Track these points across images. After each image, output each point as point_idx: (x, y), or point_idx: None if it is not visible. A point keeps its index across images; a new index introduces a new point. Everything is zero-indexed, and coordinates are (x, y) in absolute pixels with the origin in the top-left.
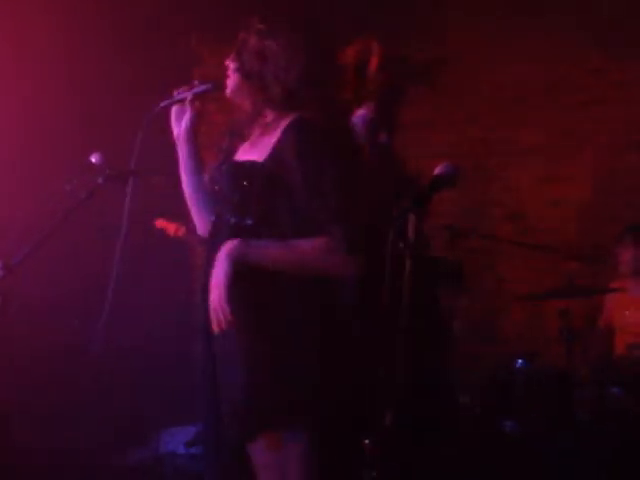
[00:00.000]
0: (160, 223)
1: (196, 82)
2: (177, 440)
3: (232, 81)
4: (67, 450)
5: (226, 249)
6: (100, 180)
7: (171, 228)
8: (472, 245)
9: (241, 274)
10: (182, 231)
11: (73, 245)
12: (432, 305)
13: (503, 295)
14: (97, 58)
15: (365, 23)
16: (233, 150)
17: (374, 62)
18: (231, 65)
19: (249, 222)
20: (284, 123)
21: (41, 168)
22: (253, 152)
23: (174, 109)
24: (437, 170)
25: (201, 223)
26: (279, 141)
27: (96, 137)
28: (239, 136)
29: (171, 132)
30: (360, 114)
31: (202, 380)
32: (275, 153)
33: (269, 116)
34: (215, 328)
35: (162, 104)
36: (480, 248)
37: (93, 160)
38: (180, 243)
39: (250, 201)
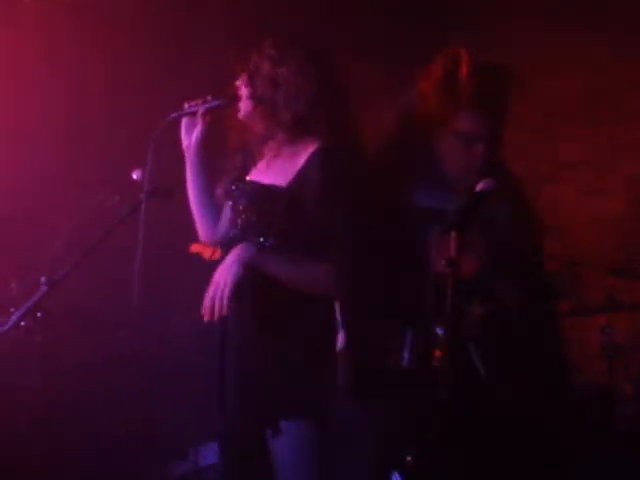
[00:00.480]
0: (195, 248)
1: (209, 97)
2: (217, 454)
3: (244, 105)
4: (108, 462)
5: (241, 251)
6: (142, 196)
7: (207, 252)
8: None
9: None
10: (218, 254)
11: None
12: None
13: None
14: (138, 75)
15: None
16: (246, 168)
17: (464, 70)
18: (244, 89)
19: (271, 243)
20: (307, 151)
21: (83, 184)
22: (271, 174)
23: (184, 121)
24: (479, 186)
25: (204, 230)
26: (302, 169)
27: (137, 153)
28: (250, 155)
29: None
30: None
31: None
32: (299, 180)
33: (281, 139)
34: (206, 317)
35: (172, 115)
36: None
37: (135, 176)
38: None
39: (272, 223)
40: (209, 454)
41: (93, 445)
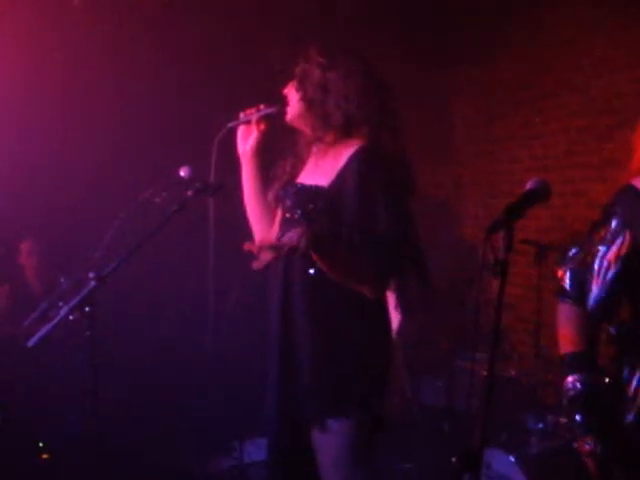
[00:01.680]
0: (248, 246)
1: (262, 106)
2: (261, 450)
3: (295, 109)
4: (151, 456)
5: (298, 234)
6: (190, 193)
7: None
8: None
9: (317, 290)
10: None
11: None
12: None
13: None
14: (179, 74)
15: None
16: (296, 172)
17: None
18: (294, 94)
19: None
20: (349, 150)
21: (131, 181)
22: (318, 175)
23: (240, 129)
24: (528, 185)
25: (259, 234)
26: (343, 168)
27: (182, 151)
28: (299, 158)
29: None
30: None
31: (274, 373)
32: (338, 179)
33: (329, 140)
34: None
35: (230, 125)
36: None
37: (182, 174)
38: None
39: (314, 222)
40: (254, 450)
41: (138, 441)
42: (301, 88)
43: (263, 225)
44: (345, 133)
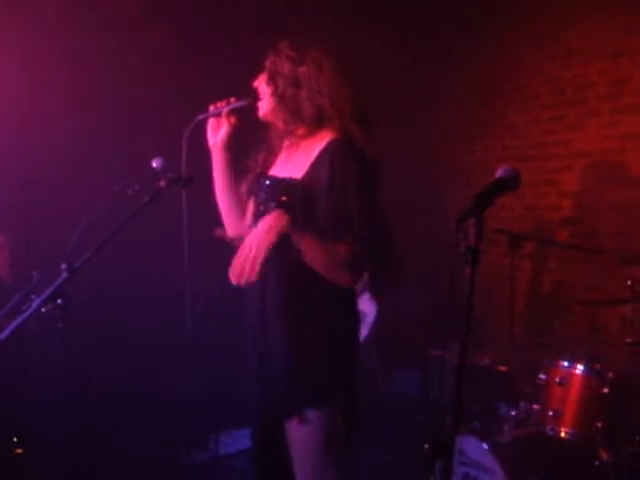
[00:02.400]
0: (219, 232)
1: (232, 99)
2: (237, 442)
3: (266, 103)
4: (126, 448)
5: (275, 219)
6: (162, 184)
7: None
8: (530, 250)
9: (294, 280)
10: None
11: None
12: None
13: (562, 300)
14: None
15: None
16: (268, 165)
17: None
18: (265, 87)
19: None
20: (321, 144)
21: (103, 173)
22: (290, 168)
23: (210, 121)
24: (498, 173)
25: (231, 227)
26: (316, 160)
27: (157, 141)
28: (271, 151)
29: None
30: None
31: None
32: (311, 171)
33: (301, 134)
34: (234, 280)
35: (200, 117)
36: (538, 253)
37: (154, 165)
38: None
39: (289, 214)
40: (229, 442)
41: (112, 434)
42: (272, 82)
43: (234, 217)
44: (316, 126)
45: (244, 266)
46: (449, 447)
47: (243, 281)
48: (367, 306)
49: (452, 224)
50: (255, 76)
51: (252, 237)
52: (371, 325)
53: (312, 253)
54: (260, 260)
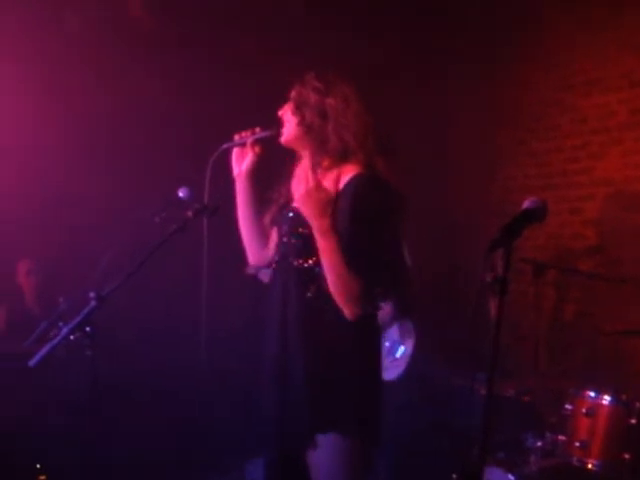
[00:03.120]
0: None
1: (258, 129)
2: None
3: (291, 132)
4: (151, 473)
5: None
6: (190, 213)
7: (264, 276)
8: (554, 279)
9: (315, 312)
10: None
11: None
12: None
13: (586, 329)
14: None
15: None
16: (291, 195)
17: None
18: (291, 117)
19: (310, 265)
20: (345, 177)
21: (131, 201)
22: None
23: (235, 150)
24: (525, 204)
25: (253, 255)
26: (339, 194)
27: (183, 171)
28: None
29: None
30: None
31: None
32: (334, 205)
33: (326, 165)
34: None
35: (224, 146)
36: (562, 282)
37: (181, 195)
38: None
39: (309, 245)
40: (253, 470)
41: (137, 459)
42: (299, 112)
43: (256, 246)
44: (341, 159)
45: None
46: (478, 478)
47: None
48: (401, 337)
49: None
50: (279, 106)
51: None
52: (407, 359)
53: (329, 264)
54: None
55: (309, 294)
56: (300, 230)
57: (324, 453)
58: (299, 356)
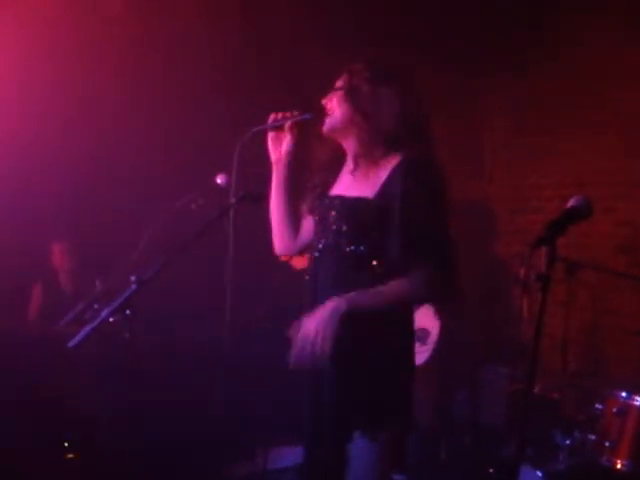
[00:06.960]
0: (285, 257)
1: (295, 111)
2: (284, 459)
3: (339, 120)
4: (172, 458)
5: (335, 306)
6: (233, 200)
7: (297, 262)
8: (586, 278)
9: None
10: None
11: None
12: None
13: (615, 329)
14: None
15: None
16: (328, 184)
17: None
18: (340, 106)
19: (363, 250)
20: (391, 163)
21: (169, 187)
22: (361, 187)
23: (271, 135)
24: (571, 202)
25: (282, 242)
26: (388, 179)
27: (222, 159)
28: (331, 171)
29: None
30: None
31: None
32: (384, 190)
33: (378, 154)
34: (295, 363)
35: (255, 129)
36: (593, 281)
37: (219, 181)
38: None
39: (362, 232)
40: (278, 458)
41: (164, 443)
42: (352, 101)
43: (285, 235)
44: (392, 148)
45: (306, 351)
46: (514, 472)
47: (309, 364)
48: (429, 322)
49: (500, 250)
50: (322, 95)
51: (315, 321)
52: (433, 346)
53: (374, 309)
54: (326, 350)
55: (364, 279)
56: (351, 217)
57: (367, 448)
58: (347, 343)
